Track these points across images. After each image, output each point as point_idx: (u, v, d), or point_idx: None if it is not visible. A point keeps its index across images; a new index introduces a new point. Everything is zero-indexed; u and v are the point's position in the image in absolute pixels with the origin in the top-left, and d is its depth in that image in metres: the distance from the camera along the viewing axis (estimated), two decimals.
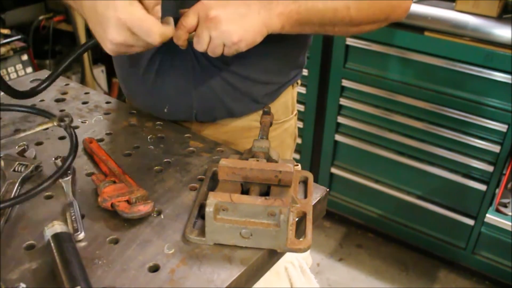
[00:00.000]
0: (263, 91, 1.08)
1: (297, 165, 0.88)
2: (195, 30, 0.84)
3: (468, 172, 2.01)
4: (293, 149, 1.26)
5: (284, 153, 1.20)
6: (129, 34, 0.74)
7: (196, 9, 0.83)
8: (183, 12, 0.84)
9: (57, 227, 0.68)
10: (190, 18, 0.83)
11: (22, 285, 0.64)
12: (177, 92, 1.03)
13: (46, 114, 0.99)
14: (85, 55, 2.72)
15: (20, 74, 2.45)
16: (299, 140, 2.40)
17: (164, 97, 1.05)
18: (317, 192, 0.85)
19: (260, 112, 1.08)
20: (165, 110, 1.06)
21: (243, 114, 1.09)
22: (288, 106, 1.16)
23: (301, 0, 0.86)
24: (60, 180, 0.83)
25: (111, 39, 0.75)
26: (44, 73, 1.28)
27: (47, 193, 0.81)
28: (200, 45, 0.84)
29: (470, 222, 2.07)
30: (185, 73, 1.01)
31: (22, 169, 0.86)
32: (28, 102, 1.09)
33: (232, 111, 1.08)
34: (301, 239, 0.73)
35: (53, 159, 0.88)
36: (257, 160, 0.79)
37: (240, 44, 0.83)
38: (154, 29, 0.74)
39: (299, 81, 1.18)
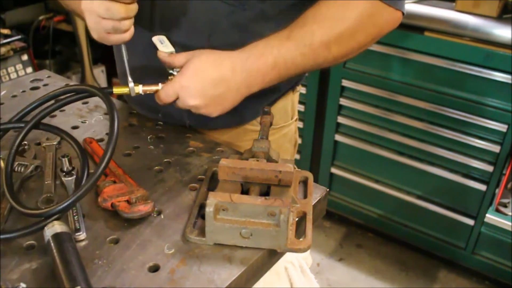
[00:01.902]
0: (262, 102, 1.04)
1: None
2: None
3: (468, 172, 2.01)
4: (293, 155, 1.22)
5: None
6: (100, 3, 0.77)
7: (176, 91, 0.85)
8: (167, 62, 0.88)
9: (57, 227, 0.68)
10: (170, 99, 0.87)
11: (22, 285, 0.64)
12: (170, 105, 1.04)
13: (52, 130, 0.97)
14: (85, 55, 2.72)
15: (20, 74, 2.45)
16: (299, 140, 2.39)
17: (157, 105, 1.05)
18: (317, 192, 0.85)
19: (258, 118, 1.06)
20: (159, 115, 1.06)
21: (238, 125, 1.08)
22: (287, 111, 1.13)
23: (281, 60, 0.85)
24: (64, 180, 0.83)
25: (84, 7, 0.79)
26: (44, 73, 1.28)
27: (48, 194, 0.81)
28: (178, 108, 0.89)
29: (470, 222, 2.07)
30: None
31: (22, 169, 0.85)
32: (28, 100, 1.08)
33: (226, 123, 1.07)
34: (301, 239, 0.73)
35: (60, 157, 0.88)
36: (257, 160, 0.79)
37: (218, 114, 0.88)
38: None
39: (299, 86, 1.14)
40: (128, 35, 0.82)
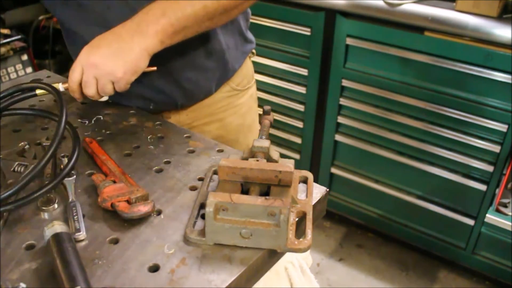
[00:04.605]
0: (226, 65, 1.18)
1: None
2: None
3: (468, 172, 2.01)
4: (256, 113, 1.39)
5: (254, 119, 1.34)
6: None
7: (79, 60, 0.91)
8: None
9: (57, 227, 0.69)
10: (76, 72, 0.92)
11: (22, 285, 0.64)
12: (161, 91, 1.11)
13: (46, 115, 0.98)
14: None
15: (20, 74, 2.45)
16: (299, 140, 2.40)
17: (148, 97, 1.12)
18: (317, 192, 0.85)
19: (229, 81, 1.22)
20: (151, 107, 1.13)
21: (218, 88, 1.19)
22: (249, 74, 1.30)
23: (170, 11, 0.90)
24: (64, 180, 0.83)
25: None
26: (44, 73, 1.28)
27: (48, 194, 0.81)
28: (88, 89, 0.92)
29: (470, 222, 2.07)
30: (165, 74, 1.08)
31: (22, 169, 0.85)
32: (28, 102, 1.09)
33: (211, 90, 1.18)
34: (301, 239, 0.73)
35: (60, 157, 0.88)
36: (257, 160, 0.79)
37: (126, 76, 0.90)
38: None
39: (254, 51, 1.31)
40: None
